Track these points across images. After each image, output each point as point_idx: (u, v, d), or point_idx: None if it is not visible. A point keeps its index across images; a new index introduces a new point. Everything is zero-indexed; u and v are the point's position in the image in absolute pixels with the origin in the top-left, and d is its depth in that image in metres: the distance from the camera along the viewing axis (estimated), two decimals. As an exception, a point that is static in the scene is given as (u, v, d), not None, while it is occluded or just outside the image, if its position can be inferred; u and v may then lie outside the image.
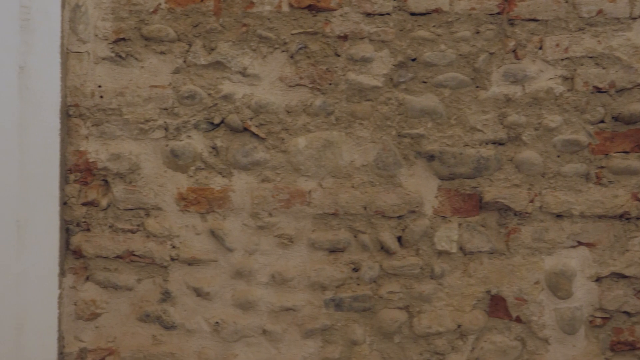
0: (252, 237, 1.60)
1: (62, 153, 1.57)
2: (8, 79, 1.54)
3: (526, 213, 1.58)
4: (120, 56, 1.59)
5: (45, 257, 1.56)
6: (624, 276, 1.59)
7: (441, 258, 1.60)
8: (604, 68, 1.57)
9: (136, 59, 1.59)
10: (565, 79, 1.58)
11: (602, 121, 1.58)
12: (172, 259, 1.60)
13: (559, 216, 1.59)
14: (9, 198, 1.55)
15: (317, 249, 1.60)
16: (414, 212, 1.59)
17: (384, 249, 1.60)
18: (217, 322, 1.60)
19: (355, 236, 1.60)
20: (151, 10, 1.58)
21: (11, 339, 1.56)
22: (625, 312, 1.59)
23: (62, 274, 1.59)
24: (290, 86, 1.59)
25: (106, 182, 1.61)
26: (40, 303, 1.56)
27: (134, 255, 1.60)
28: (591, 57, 1.57)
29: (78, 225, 1.61)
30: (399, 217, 1.59)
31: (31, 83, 1.55)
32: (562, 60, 1.58)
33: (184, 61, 1.59)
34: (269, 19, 1.58)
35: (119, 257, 1.60)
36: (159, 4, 1.58)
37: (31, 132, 1.55)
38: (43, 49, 1.55)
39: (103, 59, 1.59)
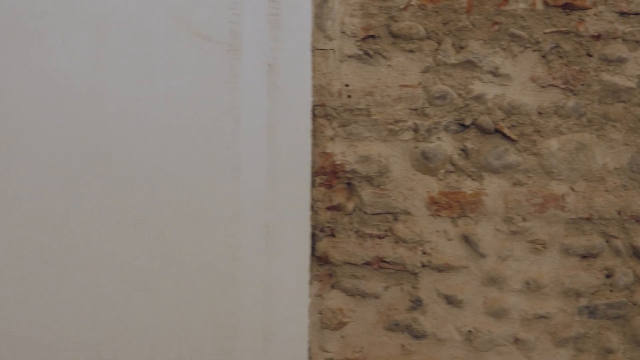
0: (505, 243, 1.54)
1: (312, 155, 1.50)
2: (257, 77, 1.47)
3: None
4: (368, 54, 1.52)
5: (295, 264, 1.48)
6: None
7: (694, 264, 1.57)
8: None
9: (383, 57, 1.53)
10: None
11: None
12: (423, 266, 1.54)
13: None
14: (257, 202, 1.47)
15: (569, 255, 1.55)
16: (668, 216, 1.56)
17: (637, 255, 1.55)
18: (469, 331, 1.54)
19: (607, 241, 1.55)
20: (402, 6, 1.51)
21: (259, 350, 1.48)
22: None
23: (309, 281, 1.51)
24: (542, 87, 1.54)
25: (349, 185, 1.54)
26: (290, 312, 1.48)
27: (384, 261, 1.53)
28: None
29: (322, 230, 1.54)
30: (652, 221, 1.56)
31: (280, 81, 1.47)
32: None
33: (433, 60, 1.53)
34: (522, 17, 1.53)
35: (367, 263, 1.53)
36: (410, 0, 1.51)
37: (280, 133, 1.48)
38: (293, 46, 1.47)
39: (349, 56, 1.52)
